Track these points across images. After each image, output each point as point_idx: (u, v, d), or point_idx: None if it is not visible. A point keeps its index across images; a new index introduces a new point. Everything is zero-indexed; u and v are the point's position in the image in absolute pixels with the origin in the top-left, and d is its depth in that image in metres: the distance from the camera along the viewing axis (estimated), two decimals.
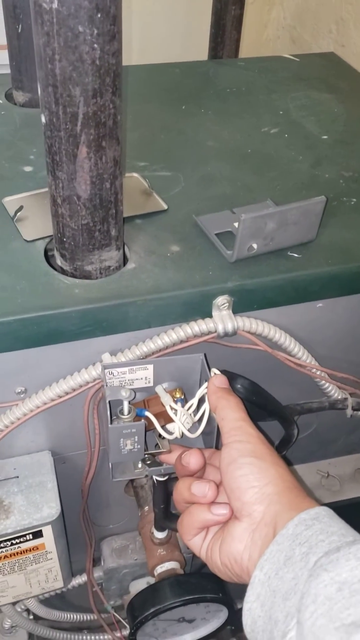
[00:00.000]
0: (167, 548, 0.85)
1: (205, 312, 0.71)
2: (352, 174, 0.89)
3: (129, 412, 0.62)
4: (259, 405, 0.70)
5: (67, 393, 0.70)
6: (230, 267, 0.71)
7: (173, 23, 1.92)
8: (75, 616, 1.11)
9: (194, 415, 0.65)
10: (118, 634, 1.05)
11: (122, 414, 0.62)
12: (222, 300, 0.70)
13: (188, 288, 0.69)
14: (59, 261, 0.70)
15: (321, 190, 0.84)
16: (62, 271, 0.69)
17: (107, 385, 0.64)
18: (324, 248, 0.75)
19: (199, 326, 0.69)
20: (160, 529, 0.83)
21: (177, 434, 0.64)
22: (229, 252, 0.72)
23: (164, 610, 0.78)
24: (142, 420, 0.62)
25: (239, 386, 0.67)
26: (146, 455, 0.66)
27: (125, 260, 0.72)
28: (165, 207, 0.79)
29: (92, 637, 1.15)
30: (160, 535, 0.84)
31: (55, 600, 1.08)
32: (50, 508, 0.75)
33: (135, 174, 0.85)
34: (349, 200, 0.84)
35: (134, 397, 0.64)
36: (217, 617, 0.84)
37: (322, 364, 0.80)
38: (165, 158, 0.89)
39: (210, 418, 0.63)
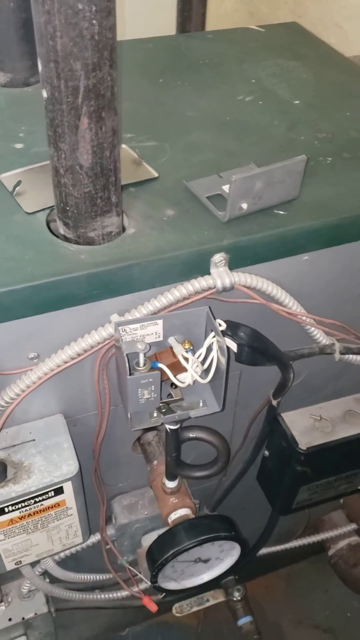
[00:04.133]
0: (178, 496, 0.90)
1: (204, 270, 0.75)
2: (325, 135, 0.94)
3: (144, 364, 0.67)
4: (260, 351, 0.76)
5: (79, 355, 0.74)
6: (223, 226, 0.76)
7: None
8: (90, 577, 1.16)
9: (203, 364, 0.70)
10: (135, 589, 1.10)
11: (138, 366, 0.67)
12: (218, 257, 0.74)
13: (186, 248, 0.73)
14: (61, 230, 0.73)
15: (298, 152, 0.88)
16: (66, 239, 0.73)
17: (122, 341, 0.69)
18: (307, 205, 0.81)
19: (199, 283, 0.74)
20: (172, 477, 0.88)
21: (189, 381, 0.69)
22: (222, 213, 0.76)
23: (182, 552, 0.83)
24: (158, 371, 0.67)
25: (242, 334, 0.73)
26: (161, 404, 0.71)
27: (123, 226, 0.76)
28: (156, 174, 0.84)
29: (107, 595, 1.20)
30: (171, 484, 0.89)
31: (69, 562, 1.13)
32: (68, 465, 0.79)
33: (123, 145, 0.88)
34: (325, 159, 0.89)
35: (149, 349, 0.68)
36: (230, 556, 0.91)
37: (310, 312, 0.86)
38: (149, 129, 0.93)
39: (218, 365, 0.68)
